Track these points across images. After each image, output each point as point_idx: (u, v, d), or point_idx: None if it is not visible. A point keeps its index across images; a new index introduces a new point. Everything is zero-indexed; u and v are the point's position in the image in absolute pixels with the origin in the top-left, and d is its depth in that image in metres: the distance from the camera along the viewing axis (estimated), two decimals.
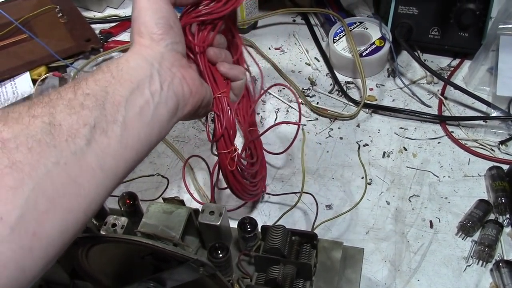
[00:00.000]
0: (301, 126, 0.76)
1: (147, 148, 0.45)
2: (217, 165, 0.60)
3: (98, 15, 1.00)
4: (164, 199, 0.59)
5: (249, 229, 0.56)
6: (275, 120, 0.79)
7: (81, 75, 0.42)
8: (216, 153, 0.57)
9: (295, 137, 0.65)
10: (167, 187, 0.68)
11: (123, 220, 0.56)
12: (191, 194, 0.69)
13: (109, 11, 1.01)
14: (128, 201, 0.59)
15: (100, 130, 0.39)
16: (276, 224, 0.58)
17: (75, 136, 0.38)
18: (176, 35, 0.50)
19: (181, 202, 0.58)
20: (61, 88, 0.41)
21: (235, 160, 0.58)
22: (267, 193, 0.70)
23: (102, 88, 0.42)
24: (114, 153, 0.40)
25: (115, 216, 0.57)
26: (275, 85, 0.79)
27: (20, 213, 0.33)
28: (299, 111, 0.65)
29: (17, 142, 0.35)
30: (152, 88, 0.45)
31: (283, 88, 0.83)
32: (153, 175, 0.71)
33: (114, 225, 0.56)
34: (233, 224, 0.59)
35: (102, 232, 0.56)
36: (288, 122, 0.74)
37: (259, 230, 0.57)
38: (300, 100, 0.81)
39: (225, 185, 0.61)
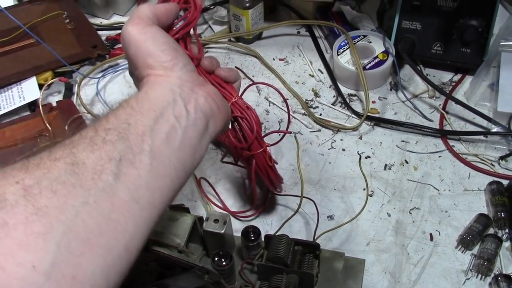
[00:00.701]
0: (294, 134, 0.77)
1: (182, 173, 0.44)
2: (255, 167, 0.61)
3: (105, 22, 1.01)
4: (170, 207, 0.60)
5: (252, 238, 0.57)
6: (278, 130, 0.80)
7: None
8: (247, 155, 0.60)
9: (287, 127, 0.66)
10: None
11: None
12: (224, 205, 0.70)
13: (116, 18, 1.02)
14: None
15: (127, 163, 0.38)
16: (279, 233, 0.59)
17: (101, 172, 0.37)
18: (184, 55, 0.50)
19: (186, 210, 0.59)
20: (82, 130, 0.40)
21: (270, 155, 0.60)
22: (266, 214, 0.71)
23: (124, 121, 0.41)
24: (146, 184, 0.39)
25: None
26: (276, 91, 0.79)
27: (53, 259, 0.32)
28: (288, 117, 0.66)
29: (41, 187, 0.34)
30: (176, 112, 0.44)
31: (287, 99, 0.84)
32: None
33: None
34: (236, 232, 0.60)
35: None
36: (278, 131, 0.73)
37: (262, 239, 0.58)
38: (303, 111, 0.82)
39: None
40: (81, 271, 0.33)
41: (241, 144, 0.60)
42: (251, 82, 0.85)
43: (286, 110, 0.67)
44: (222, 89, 0.55)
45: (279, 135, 0.67)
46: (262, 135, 0.61)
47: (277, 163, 0.65)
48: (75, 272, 0.33)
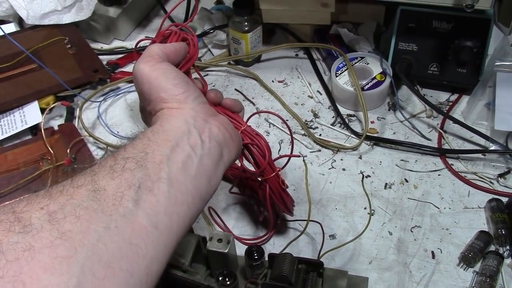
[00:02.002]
0: (302, 158, 0.78)
1: (198, 200, 0.45)
2: (269, 192, 0.62)
3: (106, 46, 1.03)
4: None
5: (256, 257, 0.57)
6: (279, 151, 0.81)
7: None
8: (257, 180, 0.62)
9: (287, 163, 0.67)
10: None
11: None
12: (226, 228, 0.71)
13: (116, 43, 1.04)
14: None
15: (146, 190, 0.40)
16: (283, 252, 0.59)
17: (122, 199, 0.38)
18: (195, 88, 0.52)
19: (190, 230, 0.59)
20: (101, 160, 0.42)
21: (282, 178, 0.61)
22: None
23: (141, 150, 0.43)
24: (165, 210, 0.40)
25: None
26: (267, 112, 0.80)
27: (77, 282, 0.33)
28: (292, 143, 0.67)
29: (65, 212, 0.35)
30: (191, 142, 0.46)
31: (287, 120, 0.85)
32: None
33: None
34: (240, 252, 0.60)
35: None
36: (289, 156, 0.75)
37: (266, 258, 0.58)
38: (303, 132, 0.83)
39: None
40: None
41: (254, 170, 0.61)
42: (255, 111, 0.86)
43: (288, 132, 0.68)
44: (230, 118, 0.57)
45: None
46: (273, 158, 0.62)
47: (287, 187, 0.66)
48: None
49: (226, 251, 0.56)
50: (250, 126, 0.59)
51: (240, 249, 0.63)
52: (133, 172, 0.40)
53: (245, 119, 0.62)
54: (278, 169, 0.61)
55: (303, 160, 0.75)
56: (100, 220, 0.36)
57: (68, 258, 0.33)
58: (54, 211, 0.35)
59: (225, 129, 0.51)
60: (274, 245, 0.70)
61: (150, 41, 0.60)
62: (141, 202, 0.39)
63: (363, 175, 0.76)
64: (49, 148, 0.79)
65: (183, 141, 0.46)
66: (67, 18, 0.98)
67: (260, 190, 0.64)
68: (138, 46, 0.66)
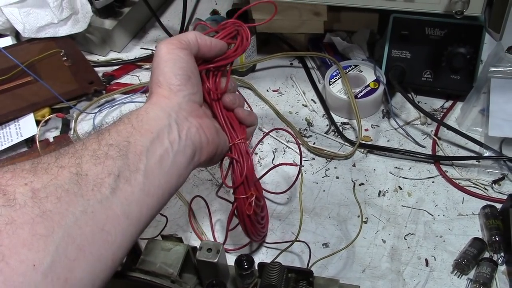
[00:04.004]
0: (299, 167, 0.78)
1: (167, 195, 0.47)
2: (234, 210, 0.62)
3: (102, 58, 1.03)
4: (163, 237, 0.60)
5: (246, 266, 0.57)
6: (273, 160, 0.81)
7: (102, 126, 0.46)
8: (232, 198, 0.61)
9: (296, 178, 0.67)
10: (166, 225, 0.69)
11: None
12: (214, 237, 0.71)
13: (112, 55, 1.04)
14: None
15: (124, 179, 0.41)
16: (274, 261, 0.59)
17: (101, 186, 0.40)
18: (193, 85, 0.53)
19: (179, 240, 0.59)
20: (85, 139, 0.43)
21: (252, 204, 0.60)
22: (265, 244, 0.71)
23: (125, 138, 0.44)
24: (137, 201, 0.42)
25: None
26: (275, 129, 0.81)
27: (51, 260, 0.35)
28: (300, 153, 0.66)
29: (47, 192, 0.37)
30: (170, 137, 0.47)
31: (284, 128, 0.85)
32: None
33: None
34: (230, 261, 0.60)
35: None
36: (289, 164, 0.75)
37: (256, 267, 0.58)
38: (299, 142, 0.83)
39: (232, 226, 0.65)
40: (73, 275, 0.36)
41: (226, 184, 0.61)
42: (265, 132, 0.85)
43: (281, 141, 0.68)
44: (230, 128, 0.58)
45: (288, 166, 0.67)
46: (259, 167, 0.62)
47: (262, 216, 0.66)
48: (68, 275, 0.35)
49: (216, 260, 0.56)
50: (246, 143, 0.59)
51: (232, 258, 0.63)
52: (114, 160, 0.42)
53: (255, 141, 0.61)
54: (250, 194, 0.60)
55: (300, 169, 0.74)
56: (79, 203, 0.38)
57: (46, 237, 0.35)
58: (37, 189, 0.37)
59: (204, 132, 0.52)
60: (267, 254, 0.69)
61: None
62: (118, 191, 0.40)
63: (354, 184, 0.76)
64: None
65: (163, 134, 0.47)
66: (63, 31, 0.99)
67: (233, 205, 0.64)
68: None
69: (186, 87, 0.52)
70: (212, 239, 0.71)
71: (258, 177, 0.65)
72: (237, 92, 0.62)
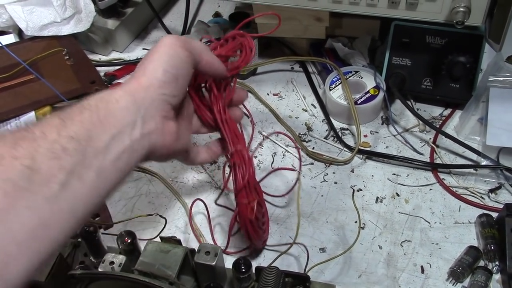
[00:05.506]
0: (298, 172, 0.78)
1: (111, 192, 0.45)
2: (236, 215, 0.63)
3: (104, 58, 1.04)
4: (162, 238, 0.61)
5: (243, 270, 0.57)
6: (272, 163, 0.82)
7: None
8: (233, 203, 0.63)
9: (295, 183, 0.68)
10: (164, 227, 0.69)
11: (121, 258, 0.58)
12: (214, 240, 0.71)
13: (114, 55, 1.05)
14: (126, 240, 0.61)
15: (77, 176, 0.40)
16: (270, 265, 0.60)
17: (50, 181, 0.38)
18: (177, 89, 0.51)
19: (178, 242, 0.60)
20: (45, 123, 0.41)
21: (254, 210, 0.60)
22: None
23: (87, 130, 0.42)
24: (86, 198, 0.41)
25: (113, 254, 0.58)
26: (274, 133, 0.82)
27: None
28: (299, 158, 0.67)
29: None
30: (132, 135, 0.46)
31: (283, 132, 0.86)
32: (151, 215, 0.72)
33: (112, 262, 0.57)
34: (228, 264, 0.61)
35: (100, 270, 0.57)
36: (288, 169, 0.76)
37: (253, 271, 0.59)
38: (298, 146, 0.83)
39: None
40: (6, 270, 0.35)
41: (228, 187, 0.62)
42: (250, 124, 0.87)
43: (281, 145, 0.68)
44: (233, 134, 0.59)
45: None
46: (258, 170, 0.62)
47: (262, 223, 0.66)
48: (2, 271, 0.35)
49: (214, 263, 0.57)
50: (247, 149, 0.60)
51: (230, 261, 0.63)
52: (71, 156, 0.40)
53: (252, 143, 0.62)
54: (253, 199, 0.61)
55: (298, 175, 0.75)
56: (25, 199, 0.37)
57: None
58: None
59: (164, 136, 0.50)
60: (265, 258, 0.70)
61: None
62: (68, 188, 0.39)
63: (353, 190, 0.77)
64: None
65: (126, 131, 0.45)
66: (66, 29, 0.99)
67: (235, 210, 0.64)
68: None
69: (168, 86, 0.50)
70: (211, 242, 0.72)
71: (257, 180, 0.65)
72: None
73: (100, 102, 0.45)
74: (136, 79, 0.49)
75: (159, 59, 0.50)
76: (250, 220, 0.61)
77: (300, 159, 0.66)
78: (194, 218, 0.74)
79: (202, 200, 0.73)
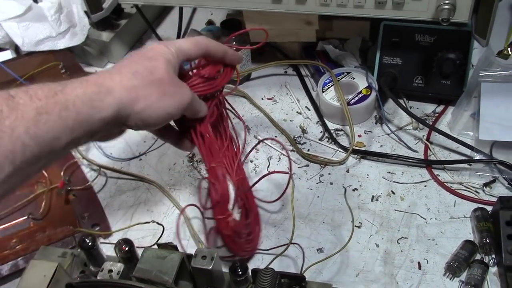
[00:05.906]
0: (289, 175, 0.79)
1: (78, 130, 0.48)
2: (215, 230, 0.66)
3: (99, 70, 1.05)
4: (159, 245, 0.62)
5: (240, 273, 0.58)
6: (268, 167, 0.82)
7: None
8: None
9: (287, 186, 0.69)
10: (162, 234, 0.70)
11: (119, 266, 0.59)
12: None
13: (110, 67, 1.06)
14: (124, 248, 0.62)
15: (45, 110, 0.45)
16: (266, 267, 0.60)
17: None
18: (149, 93, 0.53)
19: (175, 248, 0.60)
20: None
21: (230, 225, 0.62)
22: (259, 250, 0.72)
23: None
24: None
25: (111, 263, 0.59)
26: (265, 139, 0.85)
27: None
28: (290, 162, 0.68)
29: None
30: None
31: (276, 136, 0.87)
32: (148, 222, 0.73)
33: (110, 271, 0.58)
34: (225, 268, 0.61)
35: (99, 278, 0.58)
36: (280, 172, 0.77)
37: (250, 274, 0.60)
38: (291, 148, 0.84)
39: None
40: None
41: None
42: (243, 128, 0.87)
43: (276, 149, 0.69)
44: (208, 152, 0.62)
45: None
46: (255, 174, 0.64)
47: (247, 232, 0.67)
48: None
49: (210, 267, 0.58)
50: (223, 167, 0.62)
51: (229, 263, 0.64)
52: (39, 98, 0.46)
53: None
54: (226, 215, 0.62)
55: (290, 178, 0.76)
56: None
57: None
58: None
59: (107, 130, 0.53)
60: (262, 260, 0.71)
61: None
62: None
63: (345, 190, 0.77)
64: (43, 171, 0.81)
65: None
66: (62, 43, 1.01)
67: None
68: None
69: (141, 89, 0.52)
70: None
71: (250, 185, 0.66)
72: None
73: (74, 89, 0.49)
74: (121, 66, 0.54)
75: (157, 61, 0.54)
76: (227, 235, 0.63)
77: (290, 162, 0.67)
78: (191, 224, 0.75)
79: (196, 205, 0.73)
